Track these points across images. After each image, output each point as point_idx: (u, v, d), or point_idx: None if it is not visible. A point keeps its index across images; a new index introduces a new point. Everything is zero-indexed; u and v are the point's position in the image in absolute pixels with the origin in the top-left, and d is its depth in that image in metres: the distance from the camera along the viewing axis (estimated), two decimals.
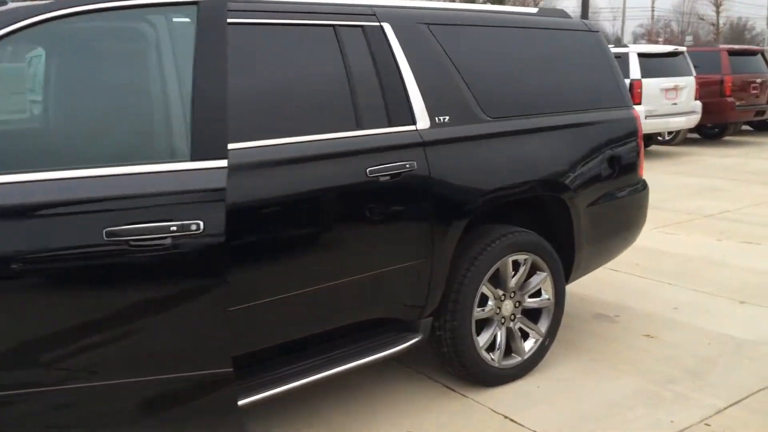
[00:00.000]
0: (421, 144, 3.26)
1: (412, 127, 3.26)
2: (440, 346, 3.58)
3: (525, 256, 3.70)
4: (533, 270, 3.81)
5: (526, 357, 3.82)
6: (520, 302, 3.79)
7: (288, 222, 2.86)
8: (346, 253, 3.05)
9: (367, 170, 3.07)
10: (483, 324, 3.70)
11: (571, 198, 3.85)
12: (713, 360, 4.00)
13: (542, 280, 3.84)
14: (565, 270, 4.02)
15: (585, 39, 4.19)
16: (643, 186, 4.40)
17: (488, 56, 3.67)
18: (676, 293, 5.16)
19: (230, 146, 2.69)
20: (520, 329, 3.83)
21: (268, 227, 2.80)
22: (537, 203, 3.95)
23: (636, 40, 63.75)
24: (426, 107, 3.32)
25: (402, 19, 3.36)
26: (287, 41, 3.00)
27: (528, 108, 3.75)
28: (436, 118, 3.36)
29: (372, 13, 3.27)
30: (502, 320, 3.72)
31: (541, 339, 3.88)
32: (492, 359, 3.69)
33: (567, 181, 3.80)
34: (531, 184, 3.67)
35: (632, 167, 4.26)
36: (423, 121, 3.30)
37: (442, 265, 3.38)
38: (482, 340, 3.65)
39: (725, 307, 4.87)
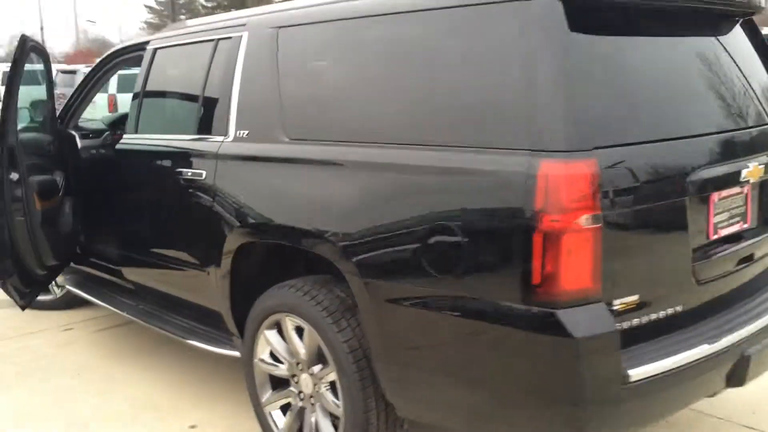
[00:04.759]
0: (215, 156, 3.18)
1: (220, 138, 3.20)
2: None
3: (304, 325, 2.79)
4: None
5: None
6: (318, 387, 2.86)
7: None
8: (160, 231, 3.56)
9: (176, 170, 3.39)
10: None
11: (351, 273, 2.51)
12: None
13: (328, 371, 2.73)
14: None
15: (504, 20, 2.22)
16: (546, 323, 2.01)
17: (336, 61, 2.80)
18: None
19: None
20: (317, 425, 2.87)
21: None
22: None
23: None
24: (236, 119, 3.13)
25: (260, 26, 3.16)
26: (187, 57, 3.60)
27: (343, 132, 2.65)
28: (238, 132, 3.10)
29: (244, 24, 3.28)
30: (300, 395, 2.95)
31: None
32: (275, 426, 3.04)
33: (344, 245, 2.51)
34: (299, 231, 2.72)
35: (503, 273, 2.10)
36: (231, 133, 3.15)
37: (221, 285, 3.18)
38: (270, 396, 3.07)
39: None
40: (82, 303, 4.78)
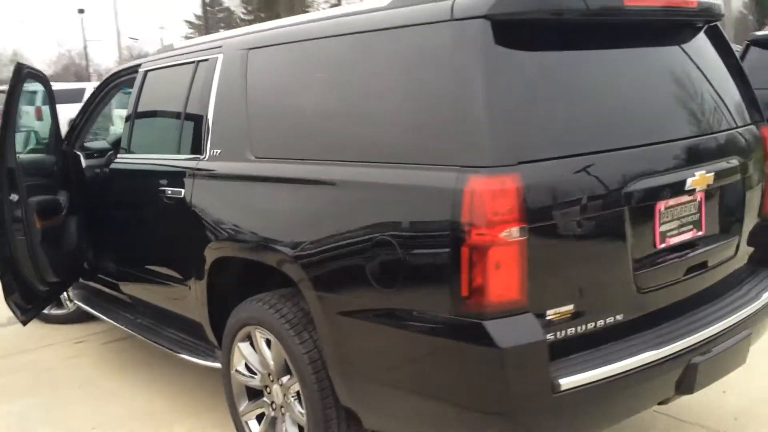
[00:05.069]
0: (192, 175, 3.30)
1: (197, 157, 3.32)
2: None
3: (270, 337, 2.88)
4: None
5: None
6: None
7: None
8: (149, 247, 3.71)
9: (159, 188, 3.52)
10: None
11: (306, 287, 2.60)
12: None
13: (294, 382, 2.82)
14: None
15: (436, 40, 2.29)
16: (474, 334, 2.08)
17: (293, 81, 2.90)
18: None
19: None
20: None
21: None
22: None
23: None
24: (211, 139, 3.25)
25: (233, 48, 3.27)
26: (172, 78, 3.74)
27: (297, 150, 2.75)
28: (213, 151, 3.22)
29: (220, 45, 3.40)
30: (273, 405, 3.05)
31: None
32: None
33: (298, 259, 2.61)
34: (261, 246, 2.82)
35: (436, 285, 2.17)
36: (206, 152, 3.28)
37: (200, 299, 3.30)
38: (246, 406, 3.16)
39: None
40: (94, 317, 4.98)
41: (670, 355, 2.35)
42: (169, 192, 3.43)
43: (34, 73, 4.14)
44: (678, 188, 2.48)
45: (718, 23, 2.99)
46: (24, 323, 4.22)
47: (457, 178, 2.13)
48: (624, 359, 2.26)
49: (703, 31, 2.92)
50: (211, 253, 3.16)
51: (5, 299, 4.10)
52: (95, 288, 4.69)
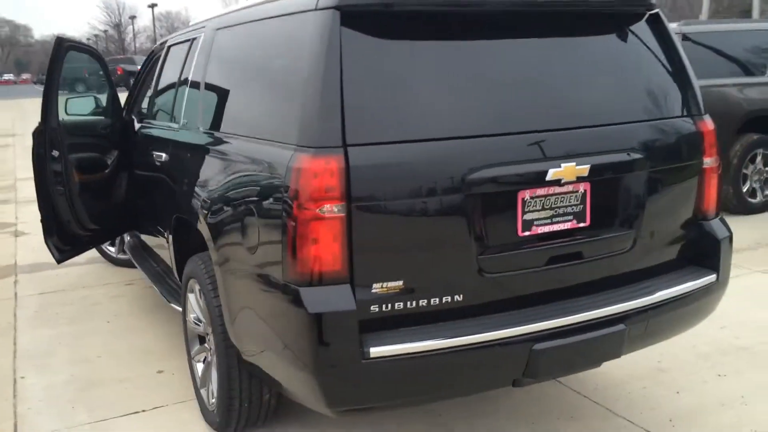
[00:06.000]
0: (170, 142, 3.71)
1: (175, 126, 3.72)
2: None
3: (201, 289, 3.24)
4: None
5: (211, 401, 3.30)
6: None
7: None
8: (148, 202, 4.20)
9: (153, 153, 3.97)
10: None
11: (209, 243, 2.92)
12: None
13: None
14: None
15: (300, 29, 2.47)
16: (293, 299, 2.29)
17: (228, 60, 3.21)
18: None
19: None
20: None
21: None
22: None
23: None
24: (184, 110, 3.63)
25: (209, 28, 3.61)
26: (178, 53, 4.15)
27: (227, 123, 3.03)
28: (183, 121, 3.60)
29: (204, 25, 3.75)
30: (210, 351, 3.40)
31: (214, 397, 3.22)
32: (198, 376, 3.52)
33: (205, 220, 2.93)
34: (190, 207, 3.16)
35: (275, 253, 2.40)
36: (180, 122, 3.66)
37: (170, 250, 3.71)
38: (195, 350, 3.54)
39: None
40: None
41: (502, 338, 2.42)
42: (156, 155, 3.87)
43: (78, 46, 4.72)
44: (538, 179, 2.50)
45: (656, 12, 2.90)
46: (58, 262, 4.86)
47: (291, 156, 2.34)
48: (449, 338, 2.37)
49: (628, 21, 2.86)
50: (172, 212, 3.56)
51: (44, 240, 4.76)
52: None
